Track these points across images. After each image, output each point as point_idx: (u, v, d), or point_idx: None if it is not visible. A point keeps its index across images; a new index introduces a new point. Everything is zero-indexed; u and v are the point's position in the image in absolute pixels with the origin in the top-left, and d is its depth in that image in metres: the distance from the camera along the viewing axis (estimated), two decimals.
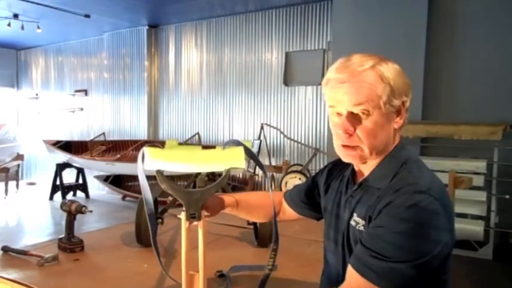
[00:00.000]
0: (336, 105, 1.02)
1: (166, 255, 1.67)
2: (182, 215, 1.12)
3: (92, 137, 8.04)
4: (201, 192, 1.12)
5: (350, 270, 0.95)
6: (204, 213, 1.12)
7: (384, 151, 1.04)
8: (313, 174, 5.10)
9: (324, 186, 1.25)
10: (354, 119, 1.00)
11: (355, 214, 1.06)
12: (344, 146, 1.04)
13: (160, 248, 1.80)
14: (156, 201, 1.87)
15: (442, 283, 1.00)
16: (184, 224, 1.12)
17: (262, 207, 1.35)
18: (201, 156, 1.19)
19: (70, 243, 1.70)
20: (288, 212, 1.40)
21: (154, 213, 1.80)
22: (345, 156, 1.06)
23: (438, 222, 0.90)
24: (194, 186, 1.93)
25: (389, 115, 1.01)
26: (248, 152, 1.17)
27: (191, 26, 7.25)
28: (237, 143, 1.17)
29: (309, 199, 1.32)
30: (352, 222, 1.06)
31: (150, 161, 1.11)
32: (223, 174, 1.14)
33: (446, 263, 0.97)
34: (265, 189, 6.29)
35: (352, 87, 0.99)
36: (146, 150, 1.13)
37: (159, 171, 1.12)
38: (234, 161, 1.14)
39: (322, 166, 1.34)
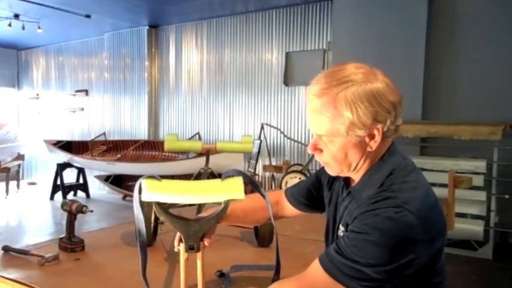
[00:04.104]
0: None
1: (169, 258, 1.67)
2: (181, 247, 1.12)
3: (93, 137, 8.06)
4: (199, 224, 1.11)
5: (315, 262, 0.99)
6: (203, 244, 1.12)
7: (369, 163, 1.05)
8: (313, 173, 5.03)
9: (327, 185, 1.25)
10: (321, 140, 1.03)
11: (342, 220, 1.09)
12: None
13: (162, 249, 1.80)
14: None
15: (434, 285, 1.02)
16: (182, 256, 1.12)
17: (256, 212, 1.35)
18: (200, 188, 1.17)
19: (71, 242, 1.70)
20: (288, 209, 1.39)
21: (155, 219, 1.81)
22: (325, 169, 1.12)
23: (410, 235, 0.91)
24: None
25: (358, 141, 1.00)
26: (248, 179, 1.17)
27: (191, 26, 7.26)
28: (237, 173, 1.16)
29: (311, 197, 1.32)
30: (340, 227, 1.10)
31: (148, 193, 1.09)
32: (222, 206, 1.12)
33: (435, 265, 0.99)
34: (265, 189, 6.28)
35: (313, 115, 1.01)
36: (143, 182, 1.10)
37: (156, 203, 1.11)
38: (233, 193, 1.12)
39: (321, 166, 1.34)
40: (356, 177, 1.09)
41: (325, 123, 0.99)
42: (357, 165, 1.04)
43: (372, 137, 1.00)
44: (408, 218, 0.91)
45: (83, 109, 8.77)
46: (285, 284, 1.04)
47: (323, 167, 1.30)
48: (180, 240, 1.16)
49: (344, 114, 0.96)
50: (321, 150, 1.05)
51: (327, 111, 0.98)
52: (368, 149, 1.01)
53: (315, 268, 0.98)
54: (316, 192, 1.31)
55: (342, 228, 1.08)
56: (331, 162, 1.05)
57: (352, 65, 1.01)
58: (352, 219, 1.00)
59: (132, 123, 7.93)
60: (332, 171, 1.09)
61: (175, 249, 1.18)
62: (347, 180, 1.15)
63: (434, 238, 0.96)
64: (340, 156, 1.02)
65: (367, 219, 0.94)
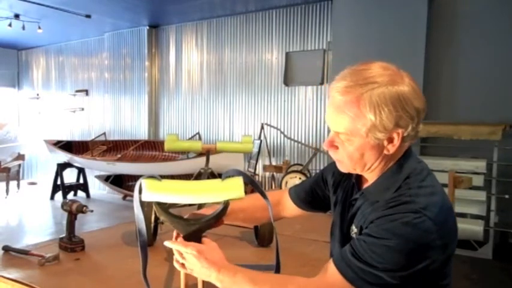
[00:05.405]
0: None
1: (169, 258, 1.67)
2: None
3: (93, 137, 8.06)
4: (199, 224, 1.12)
5: (331, 267, 0.98)
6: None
7: (383, 165, 1.04)
8: (313, 173, 5.04)
9: (334, 184, 1.24)
10: (339, 138, 1.02)
11: (354, 220, 1.08)
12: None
13: (162, 249, 1.80)
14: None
15: (442, 287, 1.02)
16: None
17: (256, 212, 1.34)
18: (200, 188, 1.17)
19: (71, 242, 1.70)
20: (290, 209, 1.39)
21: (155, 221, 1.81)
22: (337, 165, 1.10)
23: (428, 241, 0.92)
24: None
25: (377, 143, 0.99)
26: (248, 179, 1.17)
27: (192, 26, 7.26)
28: (237, 173, 1.16)
29: (316, 195, 1.31)
30: (352, 227, 1.09)
31: (148, 193, 1.09)
32: (222, 206, 1.13)
33: (445, 269, 0.99)
34: (265, 189, 6.28)
35: (334, 112, 1.00)
36: (143, 182, 1.10)
37: (156, 203, 1.12)
38: (233, 193, 1.13)
39: (322, 166, 1.33)
40: (369, 177, 1.08)
41: (346, 121, 0.97)
42: (371, 166, 1.03)
43: (390, 140, 0.98)
44: (426, 224, 0.91)
45: (83, 109, 8.78)
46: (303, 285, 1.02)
47: (327, 166, 1.29)
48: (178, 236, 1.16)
49: (367, 115, 0.95)
50: (337, 148, 1.03)
51: (349, 111, 0.96)
52: (385, 151, 1.00)
53: (332, 273, 0.97)
54: (321, 191, 1.30)
55: (355, 229, 1.07)
56: (345, 161, 1.04)
57: (379, 65, 0.99)
58: (367, 223, 0.99)
59: (132, 123, 7.93)
60: (344, 168, 1.08)
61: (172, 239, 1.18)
62: (358, 180, 1.14)
63: (448, 243, 0.96)
64: (356, 156, 1.01)
65: (386, 224, 0.93)
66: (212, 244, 1.09)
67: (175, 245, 1.09)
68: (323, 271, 1.00)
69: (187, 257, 1.07)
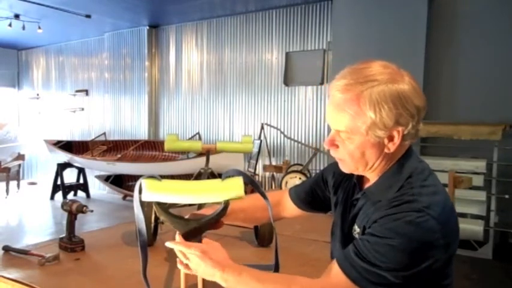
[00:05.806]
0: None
1: (169, 258, 1.67)
2: None
3: (93, 137, 8.06)
4: (199, 224, 1.12)
5: (335, 267, 0.98)
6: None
7: (385, 164, 1.04)
8: (313, 173, 5.04)
9: (334, 185, 1.24)
10: (339, 136, 1.02)
11: (357, 220, 1.08)
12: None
13: (162, 249, 1.80)
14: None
15: (444, 287, 1.02)
16: None
17: (256, 212, 1.34)
18: (200, 188, 1.17)
19: (71, 242, 1.70)
20: (290, 209, 1.38)
21: (155, 221, 1.81)
22: (339, 165, 1.09)
23: (431, 240, 0.92)
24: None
25: (377, 141, 0.99)
26: (248, 179, 1.17)
27: (192, 26, 7.26)
28: (237, 173, 1.16)
29: (316, 196, 1.31)
30: (354, 227, 1.09)
31: (148, 193, 1.09)
32: (222, 206, 1.12)
33: (447, 269, 1.00)
34: (265, 189, 6.27)
35: (334, 111, 1.00)
36: (143, 182, 1.10)
37: (156, 203, 1.12)
38: (233, 193, 1.12)
39: (322, 166, 1.33)
40: (371, 177, 1.08)
41: (346, 119, 0.98)
42: (372, 165, 1.03)
43: (391, 138, 0.98)
44: (430, 223, 0.91)
45: (83, 109, 8.78)
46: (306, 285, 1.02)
47: (328, 167, 1.29)
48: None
49: (367, 113, 0.95)
50: (338, 146, 1.03)
51: (350, 108, 0.96)
52: (386, 150, 1.00)
53: (336, 273, 0.97)
54: (321, 191, 1.30)
55: (357, 229, 1.07)
56: (346, 159, 1.04)
57: (379, 64, 1.00)
58: (371, 222, 0.99)
59: (132, 123, 7.93)
60: (346, 168, 1.07)
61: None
62: (360, 180, 1.14)
63: (450, 243, 0.96)
64: (357, 154, 1.01)
65: (389, 224, 0.93)
66: (215, 244, 1.09)
67: (178, 246, 1.08)
68: (327, 271, 1.00)
69: (191, 258, 1.06)
